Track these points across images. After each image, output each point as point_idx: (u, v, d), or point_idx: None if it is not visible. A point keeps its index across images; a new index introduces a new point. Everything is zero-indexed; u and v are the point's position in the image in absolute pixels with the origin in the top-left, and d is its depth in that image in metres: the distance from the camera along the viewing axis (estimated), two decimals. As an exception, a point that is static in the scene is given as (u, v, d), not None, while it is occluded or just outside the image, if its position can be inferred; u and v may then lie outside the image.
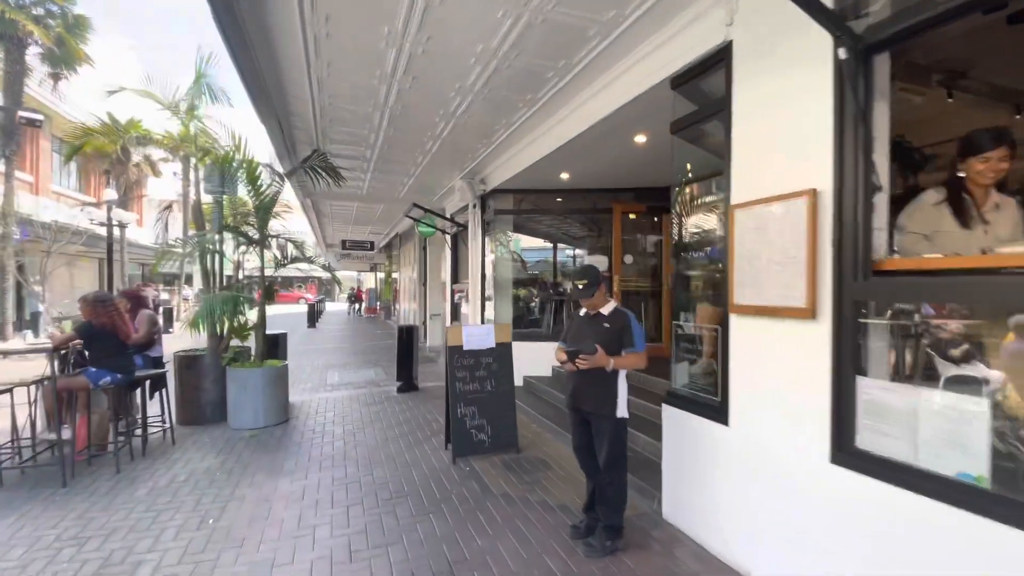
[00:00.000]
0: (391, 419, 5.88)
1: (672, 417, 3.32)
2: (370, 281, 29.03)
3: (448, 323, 9.68)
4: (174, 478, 4.10)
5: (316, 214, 12.27)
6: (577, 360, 2.81)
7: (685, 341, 3.51)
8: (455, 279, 9.53)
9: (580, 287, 2.95)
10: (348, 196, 9.66)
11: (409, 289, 15.51)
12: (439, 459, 4.50)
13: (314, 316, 19.64)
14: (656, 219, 6.90)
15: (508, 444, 4.57)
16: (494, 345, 4.64)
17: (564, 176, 6.27)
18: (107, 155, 17.40)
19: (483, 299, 7.68)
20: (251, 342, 6.10)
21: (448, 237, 9.41)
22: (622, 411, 2.92)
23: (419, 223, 9.48)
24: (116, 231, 14.18)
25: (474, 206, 7.69)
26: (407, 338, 7.35)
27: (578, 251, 8.70)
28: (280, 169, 6.20)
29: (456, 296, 9.61)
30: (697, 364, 3.40)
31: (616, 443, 2.92)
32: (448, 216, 8.40)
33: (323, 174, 5.76)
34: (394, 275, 20.54)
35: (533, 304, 8.96)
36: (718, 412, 2.97)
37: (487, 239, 7.63)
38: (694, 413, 3.14)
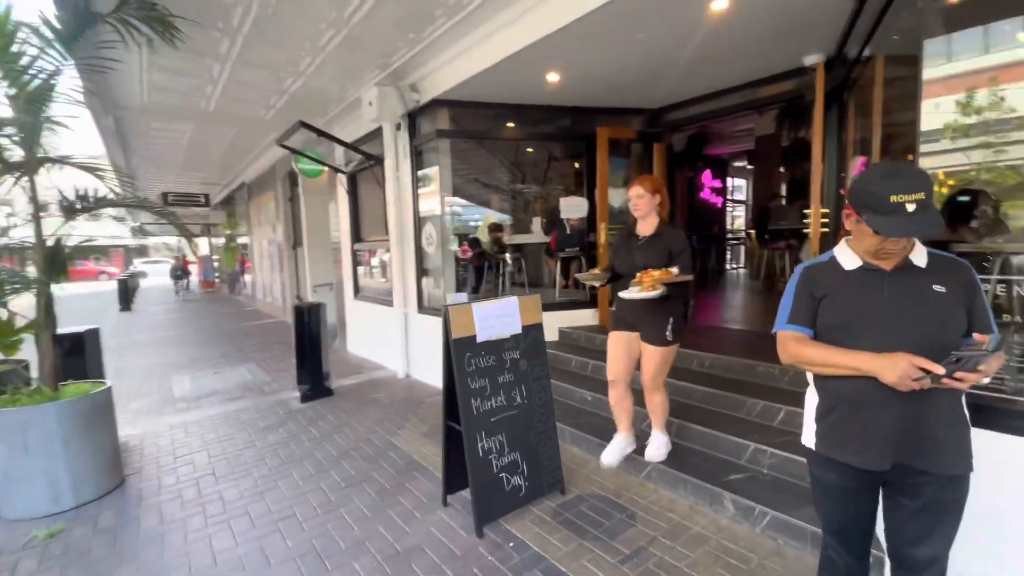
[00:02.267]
0: (315, 453, 3.70)
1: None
2: (204, 248, 23.48)
3: (353, 296, 7.30)
4: None
5: (123, 149, 8.48)
6: (967, 374, 1.20)
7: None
8: (357, 237, 7.13)
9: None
10: (183, 114, 6.50)
11: (268, 254, 12.22)
12: (445, 528, 2.63)
13: (128, 295, 14.85)
14: (649, 149, 5.46)
15: (552, 484, 2.86)
16: (520, 330, 2.81)
17: (552, 78, 4.42)
18: None
19: (419, 262, 5.58)
20: (29, 353, 3.31)
21: (343, 178, 6.92)
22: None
23: (298, 157, 6.78)
24: None
25: (398, 127, 5.43)
26: (311, 322, 5.00)
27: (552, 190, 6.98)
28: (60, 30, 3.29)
29: (369, 259, 7.25)
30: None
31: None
32: (350, 144, 5.99)
33: (146, 31, 3.10)
34: (241, 239, 16.47)
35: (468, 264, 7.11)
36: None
37: (419, 174, 5.48)
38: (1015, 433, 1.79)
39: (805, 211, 4.29)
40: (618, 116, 5.43)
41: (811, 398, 1.57)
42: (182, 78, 5.19)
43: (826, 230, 3.82)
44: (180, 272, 20.50)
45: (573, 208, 5.40)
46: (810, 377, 1.56)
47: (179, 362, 7.04)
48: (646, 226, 2.89)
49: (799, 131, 9.28)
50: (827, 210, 3.78)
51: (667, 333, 2.81)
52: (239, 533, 2.69)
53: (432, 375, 5.34)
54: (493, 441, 2.62)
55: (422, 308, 5.53)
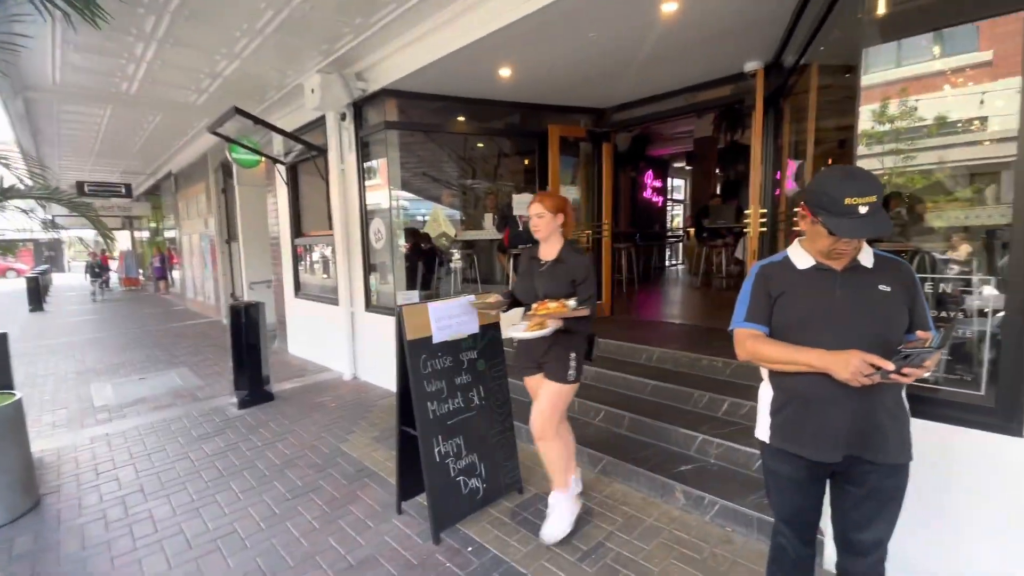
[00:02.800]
0: (257, 463, 3.49)
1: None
2: (125, 242, 21.61)
3: (294, 294, 6.94)
4: None
5: (33, 134, 7.63)
6: (912, 370, 1.27)
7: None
8: (298, 231, 6.79)
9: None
10: (102, 96, 5.91)
11: (200, 250, 11.44)
12: (401, 536, 2.54)
13: (39, 294, 13.45)
14: (597, 148, 5.52)
15: (510, 484, 2.84)
16: (478, 330, 2.76)
17: (504, 73, 4.37)
18: None
19: (366, 258, 5.38)
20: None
21: (282, 169, 6.55)
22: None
23: (233, 146, 6.35)
24: None
25: (343, 117, 5.20)
26: (248, 322, 4.71)
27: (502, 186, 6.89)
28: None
29: (310, 255, 6.91)
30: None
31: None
32: (290, 133, 5.66)
33: (63, 5, 2.78)
34: (168, 232, 15.31)
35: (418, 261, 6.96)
36: (999, 417, 1.82)
37: (365, 166, 5.27)
38: (950, 422, 1.93)
39: (745, 211, 4.51)
40: (568, 115, 5.47)
41: (765, 393, 1.62)
42: (101, 57, 4.71)
43: (764, 229, 4.03)
44: (99, 269, 18.79)
45: (526, 205, 5.38)
46: (764, 373, 1.62)
47: (99, 368, 6.44)
48: (548, 249, 2.52)
49: (735, 134, 9.73)
50: (765, 210, 3.98)
51: (570, 371, 2.45)
52: (173, 555, 2.48)
53: (382, 376, 5.18)
54: (450, 444, 2.56)
55: (370, 306, 5.35)
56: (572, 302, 2.32)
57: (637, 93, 5.10)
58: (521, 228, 5.80)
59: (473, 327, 2.73)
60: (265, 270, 8.17)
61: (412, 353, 2.45)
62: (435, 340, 2.53)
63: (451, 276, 6.44)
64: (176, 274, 14.78)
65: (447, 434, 2.55)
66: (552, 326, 2.32)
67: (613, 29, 3.58)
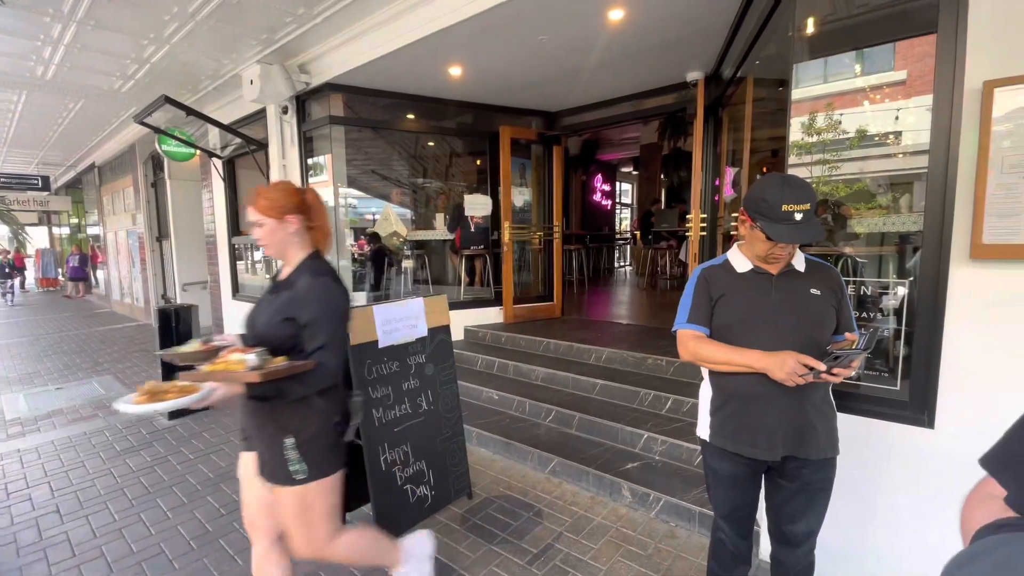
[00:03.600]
0: (188, 477, 3.27)
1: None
2: (43, 240, 19.76)
3: (232, 296, 6.58)
4: None
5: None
6: (841, 370, 1.34)
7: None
8: (236, 229, 6.45)
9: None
10: (14, 81, 5.38)
11: (126, 248, 10.64)
12: (344, 549, 2.45)
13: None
14: (548, 151, 5.57)
15: (459, 489, 2.81)
16: (426, 333, 2.71)
17: (455, 72, 4.32)
18: None
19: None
20: None
21: (219, 163, 6.19)
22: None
23: (163, 137, 5.94)
24: None
25: (285, 110, 4.98)
26: (180, 326, 4.42)
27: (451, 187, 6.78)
28: None
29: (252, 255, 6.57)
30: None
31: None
32: (227, 126, 5.36)
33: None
34: (91, 229, 14.16)
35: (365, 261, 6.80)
36: (912, 410, 1.97)
37: (309, 162, 5.07)
38: (870, 416, 2.06)
39: (687, 215, 4.69)
40: (520, 116, 5.49)
41: (705, 392, 1.68)
42: (12, 38, 4.29)
43: (704, 233, 4.19)
44: (9, 269, 17.06)
45: (478, 206, 5.37)
46: (705, 372, 1.67)
47: (11, 377, 5.86)
48: (287, 267, 1.70)
49: (678, 141, 10.09)
50: (705, 215, 4.14)
51: (293, 466, 1.54)
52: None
53: (327, 380, 4.99)
54: (397, 452, 2.49)
55: (315, 309, 5.15)
56: (252, 357, 1.39)
57: (587, 98, 5.19)
58: (474, 229, 5.77)
59: (422, 330, 2.67)
60: (200, 270, 7.71)
61: (356, 359, 2.37)
62: (381, 345, 2.46)
63: (402, 277, 6.31)
64: (100, 274, 13.69)
65: (394, 441, 2.48)
66: (203, 393, 1.43)
67: (563, 34, 3.63)
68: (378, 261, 6.92)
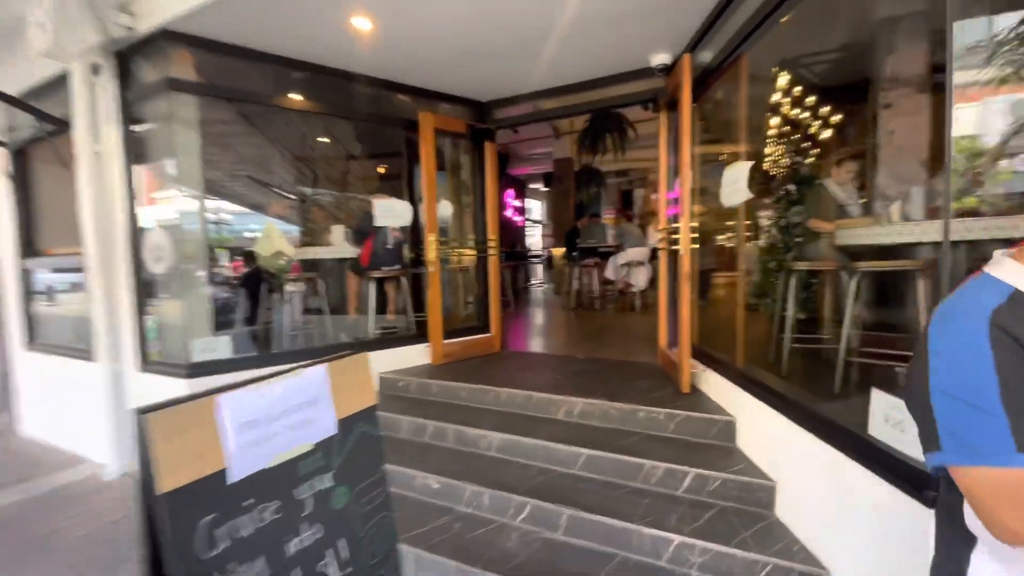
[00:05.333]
0: None
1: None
2: None
3: (24, 344, 4.50)
4: None
5: None
6: None
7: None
8: (30, 249, 4.48)
9: None
10: None
11: None
12: None
13: None
14: (480, 148, 4.46)
15: None
16: (335, 430, 1.44)
17: (361, 25, 3.07)
18: None
19: (140, 290, 3.52)
20: None
21: (4, 155, 4.24)
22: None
23: None
24: None
25: (95, 70, 3.35)
26: None
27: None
28: None
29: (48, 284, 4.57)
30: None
31: None
32: (10, 96, 3.55)
33: None
34: None
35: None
36: None
37: (137, 149, 3.47)
38: None
39: (674, 223, 3.89)
40: (444, 104, 4.37)
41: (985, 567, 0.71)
42: None
43: (676, 246, 3.40)
44: None
45: (392, 213, 4.08)
46: (981, 531, 0.70)
47: None
48: None
49: (594, 156, 9.42)
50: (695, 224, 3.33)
51: None
52: None
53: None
54: None
55: (148, 364, 3.49)
56: None
57: (527, 85, 4.22)
58: (391, 245, 4.48)
59: (326, 425, 1.41)
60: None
61: (178, 519, 1.05)
62: (233, 479, 1.16)
63: (287, 307, 4.80)
64: None
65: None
66: None
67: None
68: (251, 287, 5.35)
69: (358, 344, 4.04)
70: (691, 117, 3.13)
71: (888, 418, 1.63)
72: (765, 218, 4.81)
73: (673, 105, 3.56)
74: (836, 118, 4.82)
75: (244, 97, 3.78)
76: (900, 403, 1.55)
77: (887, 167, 3.85)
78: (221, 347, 3.48)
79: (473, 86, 4.24)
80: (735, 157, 3.09)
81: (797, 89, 4.77)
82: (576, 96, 4.20)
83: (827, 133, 4.79)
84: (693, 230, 3.18)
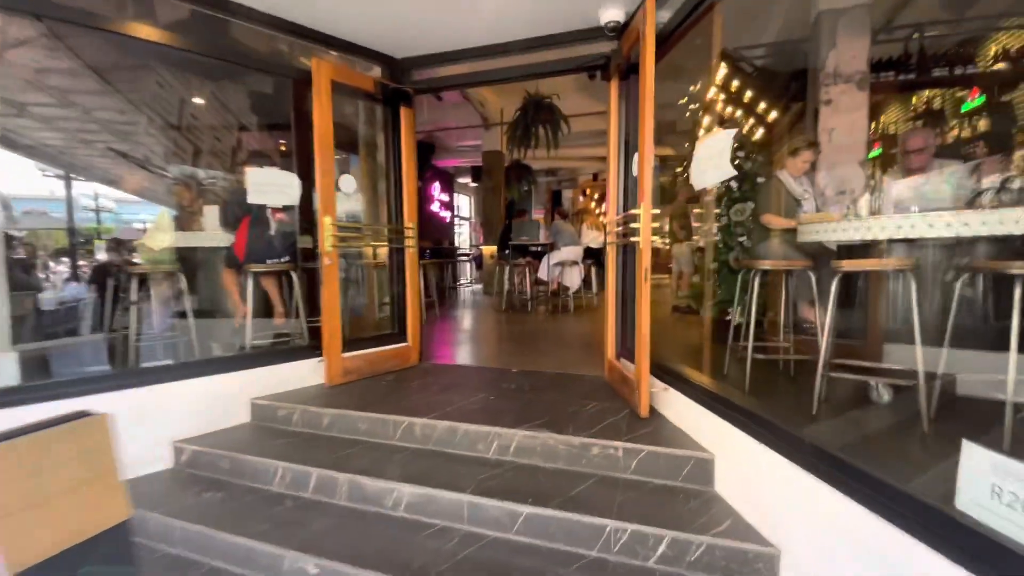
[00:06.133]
0: None
1: None
2: None
3: None
4: None
5: None
6: None
7: None
8: None
9: None
10: None
11: None
12: None
13: None
14: (395, 113, 3.61)
15: None
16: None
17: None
18: None
19: None
20: None
21: None
22: None
23: None
24: None
25: None
26: None
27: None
28: None
29: None
30: None
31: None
32: None
33: None
34: None
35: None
36: None
37: None
38: None
39: (633, 212, 3.29)
40: (350, 55, 3.49)
41: None
42: None
43: (630, 238, 2.82)
44: None
45: (272, 187, 3.14)
46: None
47: None
48: None
49: (524, 152, 8.73)
50: (658, 211, 2.75)
51: None
52: None
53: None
54: None
55: None
56: None
57: (451, 42, 3.46)
58: (273, 232, 3.54)
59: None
60: None
61: None
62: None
63: (133, 310, 3.68)
64: None
65: None
66: None
67: None
68: (99, 284, 4.21)
69: (221, 360, 3.05)
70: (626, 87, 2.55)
71: (998, 490, 1.07)
72: (699, 216, 4.33)
73: (630, 71, 2.97)
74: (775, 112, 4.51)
75: (70, 18, 2.65)
76: (1019, 468, 0.99)
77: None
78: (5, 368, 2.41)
79: (386, 37, 3.40)
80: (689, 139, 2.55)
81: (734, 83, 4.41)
82: (510, 59, 3.51)
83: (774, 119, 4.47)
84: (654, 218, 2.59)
